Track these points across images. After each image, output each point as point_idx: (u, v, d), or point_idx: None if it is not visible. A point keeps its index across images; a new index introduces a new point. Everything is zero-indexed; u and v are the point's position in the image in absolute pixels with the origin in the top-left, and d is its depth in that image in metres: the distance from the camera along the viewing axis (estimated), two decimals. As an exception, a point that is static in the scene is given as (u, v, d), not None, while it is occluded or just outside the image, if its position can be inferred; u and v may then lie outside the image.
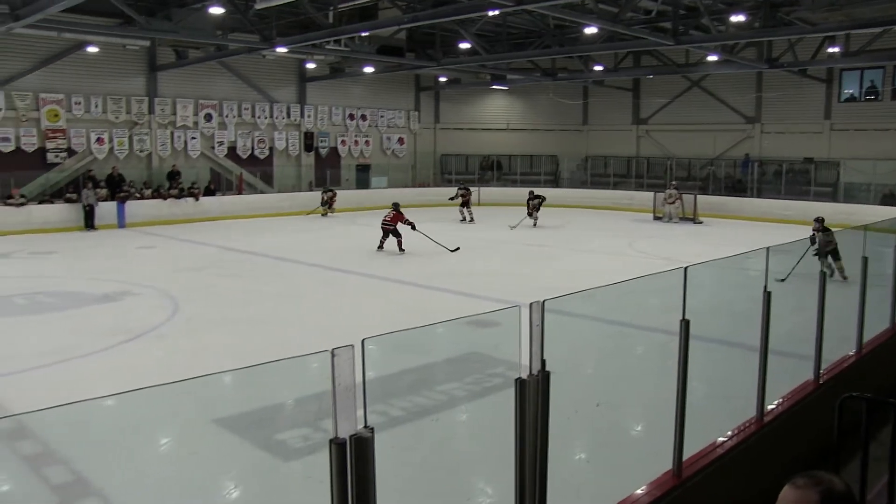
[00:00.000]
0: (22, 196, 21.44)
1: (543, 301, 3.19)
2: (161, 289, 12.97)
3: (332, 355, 2.42)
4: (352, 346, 2.43)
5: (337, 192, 26.91)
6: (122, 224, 22.39)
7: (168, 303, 11.93)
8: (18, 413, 6.74)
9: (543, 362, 3.28)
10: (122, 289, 12.99)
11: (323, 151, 30.59)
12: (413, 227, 17.46)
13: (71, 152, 23.95)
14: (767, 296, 5.25)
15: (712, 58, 23.77)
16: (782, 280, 8.75)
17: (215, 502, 5.38)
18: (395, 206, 17.87)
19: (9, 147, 22.71)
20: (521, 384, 3.24)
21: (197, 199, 24.66)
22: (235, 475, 5.58)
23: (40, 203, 22.21)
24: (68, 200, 22.26)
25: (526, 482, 3.35)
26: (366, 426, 2.55)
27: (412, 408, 6.48)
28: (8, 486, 5.70)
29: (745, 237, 19.50)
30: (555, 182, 32.94)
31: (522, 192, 30.28)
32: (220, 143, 27.43)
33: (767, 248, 5.38)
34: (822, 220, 14.26)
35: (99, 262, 16.11)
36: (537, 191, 24.71)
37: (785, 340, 5.88)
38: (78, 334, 10.08)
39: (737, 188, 28.53)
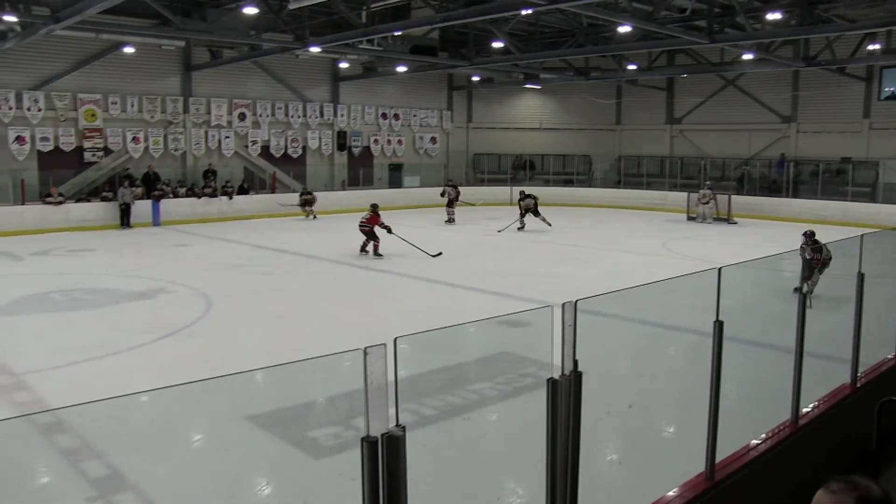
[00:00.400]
0: (60, 195, 21.83)
1: (576, 301, 3.18)
2: (195, 286, 13.12)
3: (364, 354, 2.43)
4: (384, 344, 2.43)
5: (316, 194, 25.70)
6: (156, 222, 22.69)
7: (202, 300, 12.07)
8: (56, 408, 6.86)
9: (576, 362, 3.26)
10: (157, 286, 13.17)
11: (355, 151, 30.74)
12: (389, 231, 16.58)
13: (107, 151, 24.36)
14: (803, 297, 5.17)
15: (748, 56, 23.48)
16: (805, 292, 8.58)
17: (247, 498, 5.43)
18: (374, 208, 16.91)
19: (48, 146, 23.19)
20: (553, 384, 3.23)
21: (231, 198, 24.92)
22: (267, 472, 5.62)
23: (77, 201, 22.61)
24: (105, 199, 22.63)
25: (557, 483, 3.33)
26: (397, 424, 2.56)
27: (444, 407, 6.48)
28: (47, 478, 5.80)
29: (780, 238, 19.24)
30: (587, 182, 32.77)
31: (555, 192, 30.40)
32: (254, 143, 27.69)
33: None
34: (812, 233, 12.55)
35: (134, 260, 16.34)
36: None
37: (821, 342, 5.79)
38: (114, 331, 10.23)
39: (772, 189, 28.10)
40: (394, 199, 28.22)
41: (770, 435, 5.06)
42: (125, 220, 21.99)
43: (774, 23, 19.85)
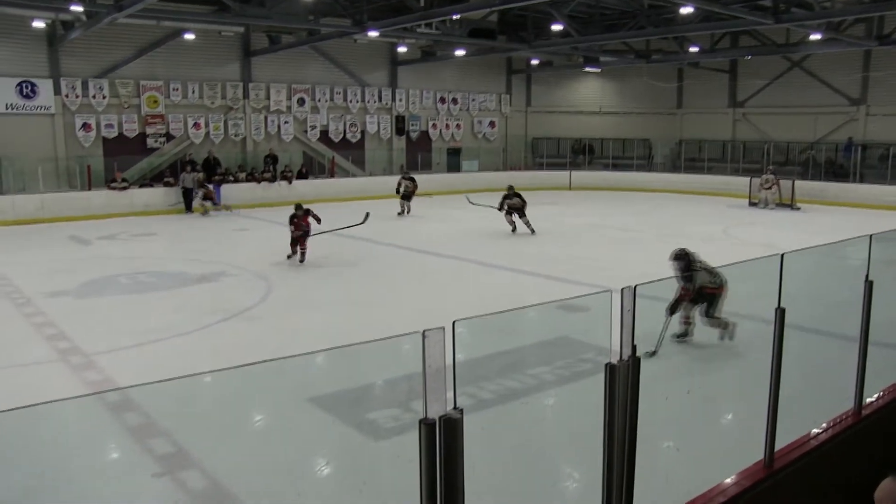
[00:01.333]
0: (124, 180, 22.43)
1: (635, 286, 3.17)
2: (255, 270, 13.38)
3: (424, 337, 2.46)
4: (443, 328, 2.46)
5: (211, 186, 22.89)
6: (217, 204, 23.10)
7: (262, 284, 12.29)
8: (124, 387, 7.11)
9: (634, 348, 3.26)
10: (218, 269, 13.45)
11: (414, 135, 30.83)
12: (319, 221, 14.45)
13: (169, 137, 24.91)
14: (869, 285, 5.05)
15: (815, 37, 22.71)
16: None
17: (307, 478, 5.55)
18: (303, 208, 14.43)
19: (113, 133, 23.85)
20: (611, 369, 3.23)
21: (290, 183, 25.25)
22: (327, 452, 5.73)
23: (141, 187, 23.19)
24: (167, 184, 23.15)
25: (614, 467, 3.34)
26: (455, 407, 2.59)
27: (501, 391, 6.51)
28: (116, 454, 6.01)
29: (845, 224, 18.73)
30: (647, 167, 32.29)
31: (614, 177, 30.03)
32: (313, 127, 27.99)
33: (870, 236, 5.17)
34: (682, 254, 8.74)
35: (196, 244, 16.71)
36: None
37: (887, 331, 5.64)
38: (178, 313, 10.50)
39: (838, 173, 27.23)
40: (452, 184, 28.28)
41: (831, 424, 4.97)
42: (187, 205, 22.47)
43: (845, 0, 19.19)
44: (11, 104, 22.07)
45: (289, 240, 14.28)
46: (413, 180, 22.80)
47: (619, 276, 8.99)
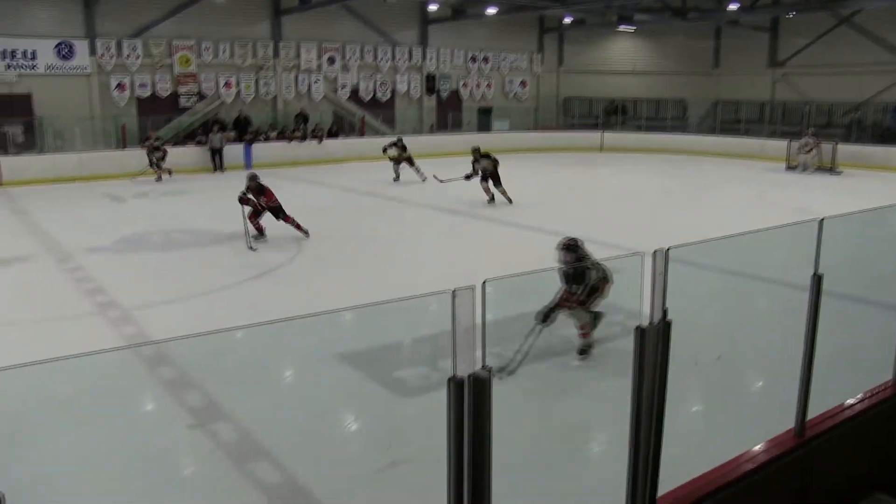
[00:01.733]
0: (158, 139, 22.57)
1: (667, 249, 3.11)
2: (286, 229, 13.43)
3: (453, 296, 2.45)
4: (472, 286, 2.44)
5: (167, 148, 21.37)
6: (248, 165, 23.18)
7: (293, 243, 12.35)
8: (159, 340, 7.23)
9: (665, 311, 3.21)
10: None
11: (444, 94, 30.61)
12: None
13: (201, 96, 25.01)
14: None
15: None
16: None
17: (335, 434, 5.61)
18: (257, 181, 12.78)
19: (146, 93, 24.08)
20: (641, 333, 3.19)
21: (320, 142, 25.24)
22: (355, 409, 5.78)
23: (174, 146, 23.33)
24: (199, 143, 23.25)
25: (641, 431, 3.32)
26: (484, 366, 2.58)
27: (529, 351, 6.50)
28: (151, 405, 6.14)
29: (890, 190, 18.29)
30: (682, 128, 31.73)
31: (648, 139, 29.54)
32: (343, 86, 27.89)
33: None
34: (571, 245, 6.90)
35: (227, 203, 16.77)
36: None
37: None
38: (209, 270, 10.65)
39: (885, 136, 26.33)
40: (483, 144, 28.00)
41: (868, 395, 4.90)
42: (217, 164, 22.56)
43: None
44: (51, 65, 22.34)
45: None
46: (400, 146, 20.51)
47: (650, 238, 8.89)
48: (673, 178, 21.64)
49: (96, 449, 4.97)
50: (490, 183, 16.12)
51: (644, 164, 21.94)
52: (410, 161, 20.37)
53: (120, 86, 23.57)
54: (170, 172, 20.75)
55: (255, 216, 12.59)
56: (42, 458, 4.74)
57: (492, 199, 16.18)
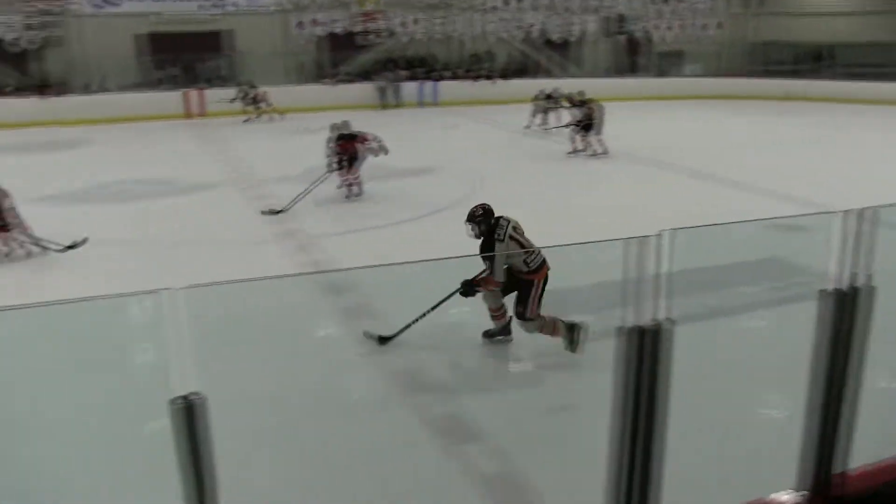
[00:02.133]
0: (336, 75, 23.43)
1: (864, 209, 2.92)
2: (465, 166, 13.63)
3: (632, 244, 2.45)
4: (653, 235, 2.43)
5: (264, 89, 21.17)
6: (435, 100, 23.59)
7: (474, 180, 12.49)
8: (344, 269, 7.67)
9: (854, 276, 3.03)
10: (427, 165, 13.86)
11: (631, 36, 29.58)
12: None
13: (381, 35, 25.53)
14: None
15: None
16: None
17: (503, 373, 5.77)
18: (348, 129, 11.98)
19: (328, 30, 25.00)
20: (826, 297, 3.04)
21: (504, 80, 25.23)
22: (525, 353, 5.87)
23: (350, 83, 24.14)
24: (376, 81, 23.93)
25: (814, 401, 3.17)
26: (668, 318, 2.57)
27: (706, 306, 6.33)
28: (324, 331, 6.50)
29: None
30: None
31: (854, 88, 26.48)
32: (528, 26, 27.58)
33: None
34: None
35: (406, 140, 17.20)
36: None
37: None
38: (392, 204, 11.11)
39: None
40: (665, 89, 26.95)
41: None
42: (390, 101, 23.10)
43: None
44: (235, 2, 23.51)
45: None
46: (556, 100, 19.00)
47: (843, 196, 8.25)
48: (878, 131, 19.50)
49: (270, 369, 5.34)
50: (589, 133, 14.94)
51: (845, 114, 20.06)
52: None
53: (300, 24, 24.51)
54: (281, 114, 20.99)
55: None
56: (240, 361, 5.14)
57: (575, 151, 15.06)
